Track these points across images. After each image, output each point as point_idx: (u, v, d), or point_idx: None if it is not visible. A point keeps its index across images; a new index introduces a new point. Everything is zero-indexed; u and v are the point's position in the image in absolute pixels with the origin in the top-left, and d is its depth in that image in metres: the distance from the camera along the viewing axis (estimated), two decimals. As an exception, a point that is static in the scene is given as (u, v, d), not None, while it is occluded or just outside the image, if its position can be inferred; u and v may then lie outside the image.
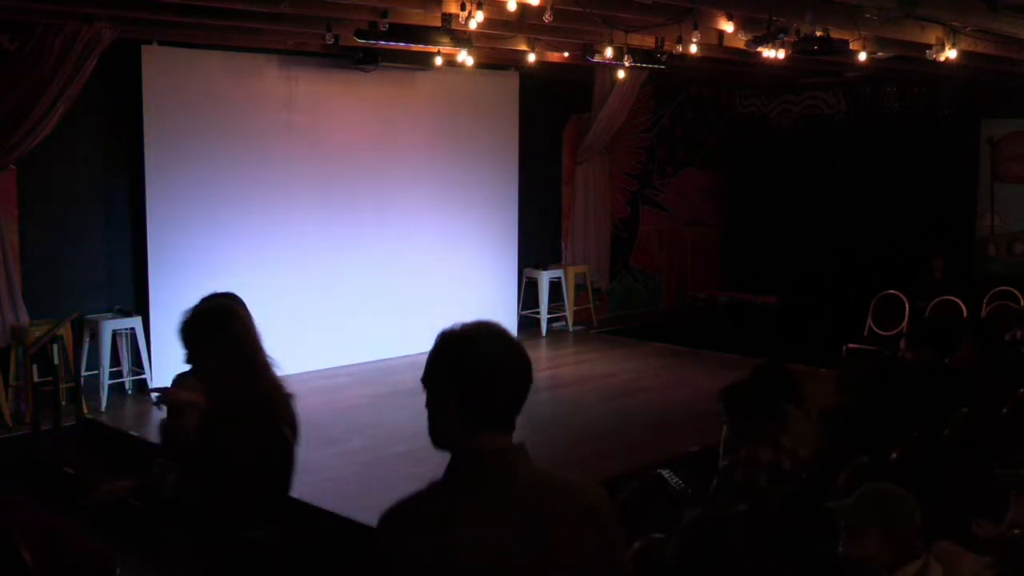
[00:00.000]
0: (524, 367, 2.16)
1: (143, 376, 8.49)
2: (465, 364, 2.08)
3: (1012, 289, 10.25)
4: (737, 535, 2.93)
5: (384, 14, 6.94)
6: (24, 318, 7.88)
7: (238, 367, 3.29)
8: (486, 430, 2.07)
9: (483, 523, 2.00)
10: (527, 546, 2.00)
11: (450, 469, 2.08)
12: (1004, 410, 5.44)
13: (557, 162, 12.00)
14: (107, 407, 8.16)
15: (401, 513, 2.05)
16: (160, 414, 4.16)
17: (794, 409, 4.90)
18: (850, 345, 10.12)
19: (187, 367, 3.96)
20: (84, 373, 8.22)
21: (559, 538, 2.04)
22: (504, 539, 1.99)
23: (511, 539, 2.00)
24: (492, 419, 2.09)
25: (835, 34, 7.04)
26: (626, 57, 8.09)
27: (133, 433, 7.50)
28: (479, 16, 6.36)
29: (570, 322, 11.80)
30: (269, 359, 3.41)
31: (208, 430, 3.35)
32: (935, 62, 7.66)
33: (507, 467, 2.08)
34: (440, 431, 2.11)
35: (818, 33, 6.89)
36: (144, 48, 8.36)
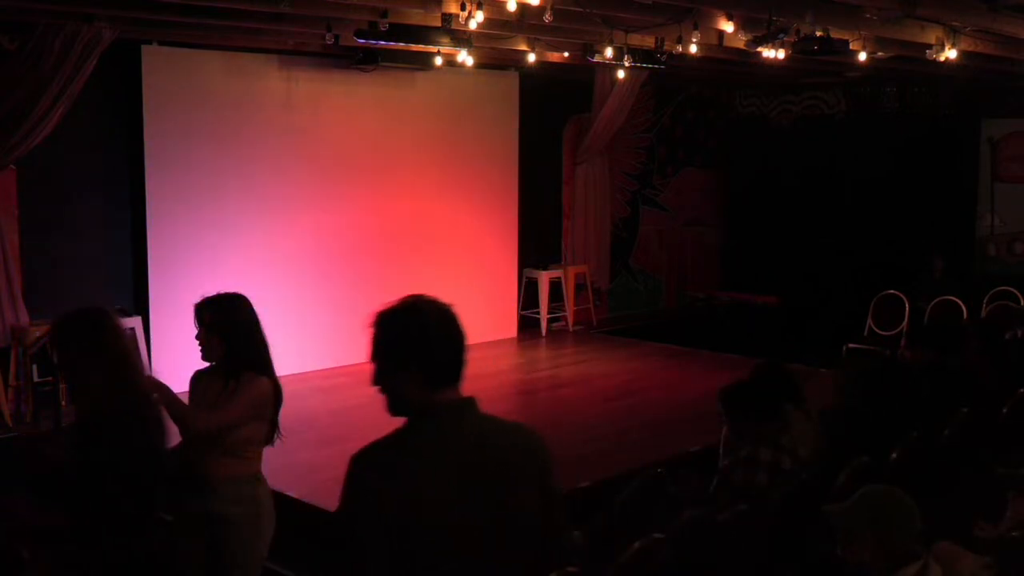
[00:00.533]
0: (461, 326, 2.45)
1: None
2: (421, 331, 2.36)
3: (1012, 289, 10.25)
4: (732, 535, 2.93)
5: (384, 14, 6.93)
6: (24, 318, 7.87)
7: (107, 374, 3.32)
8: (444, 387, 2.35)
9: (446, 464, 2.27)
10: (484, 480, 2.30)
11: (407, 426, 2.33)
12: (1004, 410, 5.44)
13: (557, 162, 12.00)
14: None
15: (372, 458, 2.28)
16: None
17: (794, 409, 4.90)
18: (850, 345, 10.12)
19: (204, 365, 4.00)
20: (84, 373, 8.22)
21: (509, 472, 2.37)
22: (466, 475, 2.28)
23: (472, 475, 2.29)
24: (448, 376, 2.37)
25: (835, 34, 7.03)
26: (626, 57, 8.09)
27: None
28: (479, 16, 6.36)
29: (570, 322, 11.80)
30: (139, 365, 3.49)
31: (77, 440, 3.39)
32: (935, 62, 7.66)
33: (464, 416, 2.37)
34: (402, 400, 2.35)
35: (818, 33, 6.89)
36: (144, 48, 8.36)
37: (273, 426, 4.02)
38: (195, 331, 3.93)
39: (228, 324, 3.88)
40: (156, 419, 3.45)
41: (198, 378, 4.07)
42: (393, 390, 2.37)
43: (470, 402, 2.40)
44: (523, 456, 2.44)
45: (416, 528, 2.21)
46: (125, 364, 3.39)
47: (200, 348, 3.93)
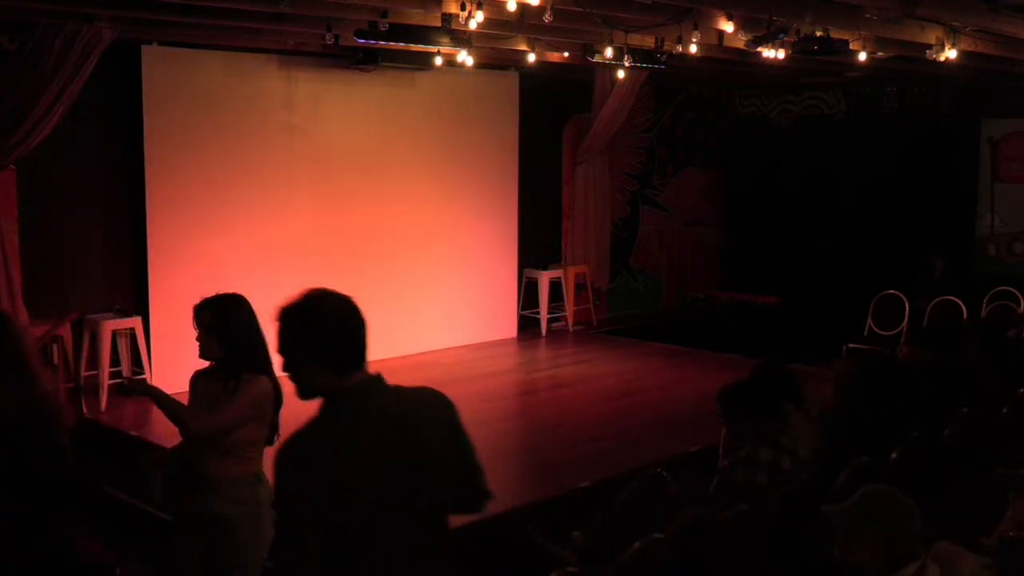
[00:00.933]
0: (361, 314, 2.63)
1: (143, 376, 8.48)
2: (324, 323, 2.55)
3: (1012, 289, 10.25)
4: (731, 535, 2.93)
5: (384, 14, 6.93)
6: (24, 318, 7.87)
7: (5, 379, 3.34)
8: (352, 370, 2.55)
9: (360, 444, 2.47)
10: (400, 450, 2.51)
11: (324, 410, 2.52)
12: (1004, 410, 5.44)
13: (557, 162, 12.00)
14: (107, 407, 8.16)
15: (292, 450, 2.48)
16: None
17: (794, 409, 4.90)
18: (850, 345, 10.12)
19: (204, 365, 4.00)
20: (84, 373, 8.22)
21: (422, 436, 2.58)
22: (381, 450, 2.48)
23: (387, 449, 2.49)
24: (355, 359, 2.56)
25: (835, 34, 7.04)
26: (626, 57, 8.08)
27: (133, 433, 7.50)
28: (479, 16, 6.36)
29: (570, 322, 11.80)
30: (40, 369, 3.52)
31: None
32: (935, 62, 7.66)
33: (371, 395, 2.56)
34: (313, 384, 2.54)
35: (818, 33, 6.89)
36: (144, 48, 8.36)
37: (273, 427, 4.02)
38: (195, 331, 3.93)
39: (228, 324, 3.89)
40: (55, 424, 3.47)
41: (198, 379, 4.07)
42: (302, 379, 2.55)
43: (377, 379, 2.58)
44: (432, 419, 2.65)
45: (342, 508, 2.39)
46: (24, 369, 3.40)
47: (199, 348, 3.93)
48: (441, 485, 2.62)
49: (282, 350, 2.58)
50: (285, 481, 2.45)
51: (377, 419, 2.53)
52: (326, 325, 2.55)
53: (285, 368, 2.58)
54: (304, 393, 2.56)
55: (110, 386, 8.26)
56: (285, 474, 2.45)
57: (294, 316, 2.58)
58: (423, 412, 2.65)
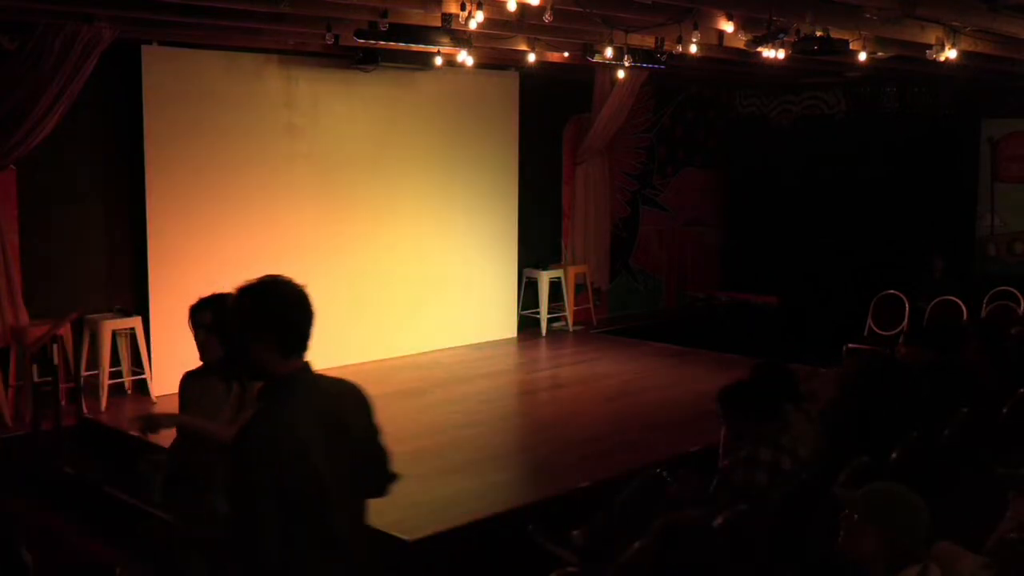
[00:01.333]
0: (311, 304, 2.81)
1: (143, 376, 8.49)
2: (279, 307, 2.73)
3: (1012, 289, 10.25)
4: (713, 540, 2.93)
5: (384, 14, 6.93)
6: (24, 318, 7.88)
7: None
8: (294, 355, 2.74)
9: (310, 424, 2.67)
10: (338, 430, 2.74)
11: (270, 391, 2.73)
12: (1004, 410, 5.43)
13: (557, 162, 12.00)
14: (107, 407, 8.16)
15: (256, 438, 2.63)
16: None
17: (794, 409, 4.90)
18: (850, 345, 10.12)
19: (196, 366, 3.99)
20: (84, 373, 8.23)
21: (350, 420, 2.83)
22: (325, 429, 2.70)
23: (329, 428, 2.71)
24: (299, 346, 2.76)
25: (835, 34, 7.04)
26: (626, 57, 8.08)
27: (133, 433, 7.50)
28: (479, 16, 6.36)
29: (570, 322, 11.80)
30: None
31: None
32: (935, 62, 7.66)
33: (309, 379, 2.78)
34: (258, 365, 2.73)
35: (818, 33, 6.89)
36: (144, 48, 8.36)
37: None
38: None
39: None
40: None
41: (191, 380, 4.05)
42: (249, 356, 2.73)
43: (310, 367, 2.81)
44: (357, 405, 2.91)
45: (300, 480, 2.60)
46: None
47: (199, 350, 3.92)
48: (368, 466, 2.88)
49: (234, 328, 2.77)
50: (253, 465, 2.59)
51: (320, 401, 2.76)
52: (279, 309, 2.73)
53: (232, 346, 2.81)
54: (250, 372, 2.78)
55: (110, 386, 8.26)
56: (250, 459, 2.61)
57: (250, 297, 2.74)
58: (349, 398, 2.90)
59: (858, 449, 4.47)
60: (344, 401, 2.87)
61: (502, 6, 6.15)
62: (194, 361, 4.03)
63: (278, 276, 2.79)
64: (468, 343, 10.70)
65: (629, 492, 4.79)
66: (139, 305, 8.59)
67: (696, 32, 7.26)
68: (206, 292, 4.00)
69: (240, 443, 2.65)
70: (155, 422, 4.16)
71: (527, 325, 11.56)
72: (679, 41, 7.54)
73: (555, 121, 11.89)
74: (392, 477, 3.00)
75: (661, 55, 8.41)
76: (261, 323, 2.71)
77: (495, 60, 9.94)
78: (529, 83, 11.05)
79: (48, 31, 7.34)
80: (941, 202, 11.95)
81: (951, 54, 7.46)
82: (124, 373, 8.50)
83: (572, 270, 11.83)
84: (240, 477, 2.62)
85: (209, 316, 3.89)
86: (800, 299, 12.35)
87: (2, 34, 7.51)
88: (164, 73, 8.55)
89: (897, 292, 10.55)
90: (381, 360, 9.75)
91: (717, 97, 13.88)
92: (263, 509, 2.55)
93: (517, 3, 6.03)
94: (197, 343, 3.91)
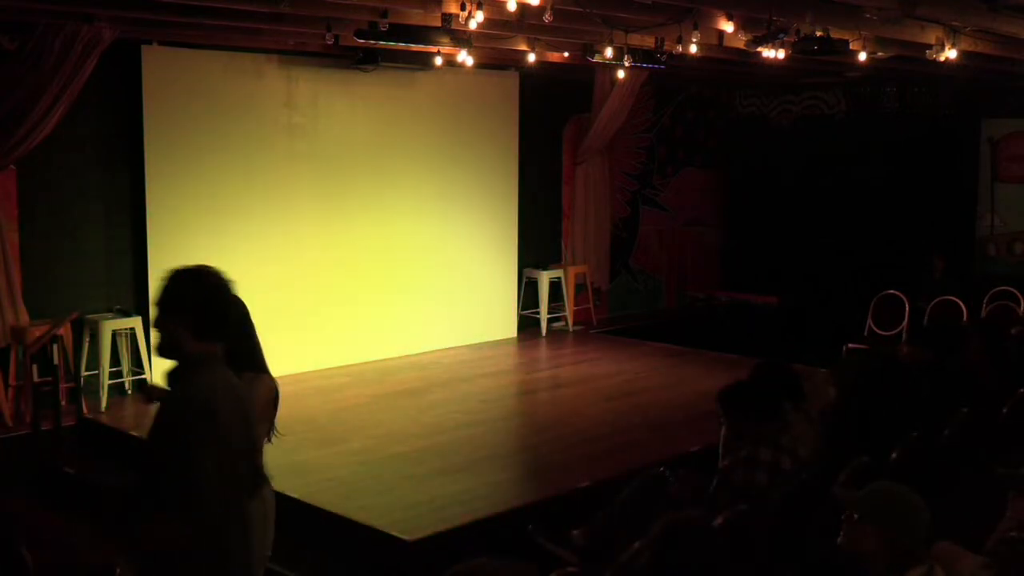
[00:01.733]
0: (231, 292, 3.06)
1: (143, 376, 8.49)
2: (199, 291, 2.98)
3: (1012, 289, 10.25)
4: (715, 540, 2.93)
5: (384, 14, 6.93)
6: (24, 318, 7.88)
7: None
8: (207, 339, 2.95)
9: (230, 400, 2.94)
10: (238, 408, 3.00)
11: (186, 366, 2.95)
12: (1004, 410, 5.43)
13: (557, 162, 12.00)
14: (107, 407, 8.16)
15: (199, 412, 2.87)
16: None
17: (793, 409, 4.90)
18: (850, 345, 10.12)
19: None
20: (84, 373, 8.23)
21: (248, 410, 3.08)
22: (238, 407, 2.99)
23: (239, 407, 3.00)
24: (213, 332, 2.97)
25: (835, 34, 7.04)
26: (626, 57, 8.08)
27: (133, 433, 7.50)
28: (479, 16, 6.36)
29: (570, 322, 11.80)
30: None
31: None
32: (935, 62, 7.66)
33: (220, 363, 2.99)
34: (175, 344, 2.94)
35: (818, 33, 6.89)
36: (144, 48, 8.36)
37: (271, 424, 4.01)
38: None
39: None
40: None
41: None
42: (169, 335, 2.95)
43: (220, 353, 3.00)
44: (252, 406, 3.22)
45: (229, 451, 2.88)
46: None
47: None
48: (254, 455, 3.19)
49: (160, 304, 2.97)
50: (186, 416, 2.86)
51: (230, 382, 3.02)
52: (199, 295, 2.97)
53: (155, 323, 2.97)
54: (164, 350, 2.96)
55: (110, 386, 8.26)
56: (184, 411, 2.88)
57: (180, 279, 3.01)
58: (243, 389, 3.16)
59: (858, 449, 4.47)
60: (245, 395, 3.14)
61: (502, 6, 6.15)
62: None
63: (207, 266, 3.06)
64: (468, 343, 10.70)
65: (629, 492, 4.79)
66: (139, 305, 8.59)
67: (696, 32, 7.26)
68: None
69: (173, 407, 2.91)
70: (158, 391, 4.21)
71: (527, 325, 11.55)
72: (679, 41, 7.54)
73: (555, 121, 11.89)
74: (265, 479, 3.36)
75: (661, 55, 8.41)
76: (180, 304, 2.94)
77: (495, 60, 9.94)
78: (529, 83, 11.05)
79: (48, 31, 7.34)
80: (941, 202, 11.95)
81: (951, 54, 7.46)
82: (124, 373, 8.50)
83: (572, 270, 11.83)
84: (178, 437, 2.83)
85: None
86: (800, 299, 12.35)
87: (2, 34, 7.51)
88: (164, 73, 8.55)
89: (897, 292, 10.55)
90: (381, 360, 9.76)
91: (717, 97, 13.88)
92: (206, 465, 2.80)
93: (517, 3, 6.03)
94: None
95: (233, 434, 2.92)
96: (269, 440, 4.01)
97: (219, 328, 2.98)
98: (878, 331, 10.47)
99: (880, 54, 8.22)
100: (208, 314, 2.95)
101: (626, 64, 8.28)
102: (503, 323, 11.27)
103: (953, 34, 7.40)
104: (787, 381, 5.05)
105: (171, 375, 2.98)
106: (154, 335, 3.02)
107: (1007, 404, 5.45)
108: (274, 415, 4.00)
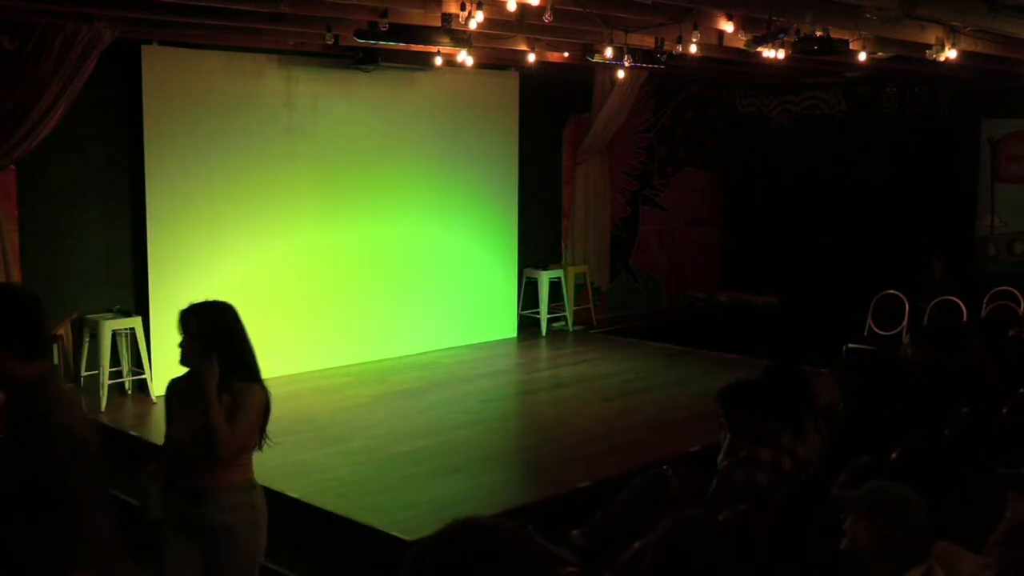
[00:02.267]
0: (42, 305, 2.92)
1: (143, 376, 8.49)
2: (19, 311, 2.77)
3: (1012, 289, 10.25)
4: (718, 540, 2.93)
5: (384, 14, 6.93)
6: (24, 318, 7.86)
7: None
8: (38, 359, 2.78)
9: (80, 417, 2.90)
10: (90, 426, 2.95)
11: (35, 390, 2.77)
12: (1004, 410, 5.43)
13: (557, 162, 12.00)
14: (107, 407, 8.16)
15: (63, 431, 2.77)
16: None
17: (808, 414, 4.91)
18: (850, 345, 10.12)
19: (183, 371, 3.98)
20: (84, 373, 8.23)
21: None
22: (87, 420, 2.98)
23: (89, 427, 2.94)
24: (41, 349, 2.83)
25: (835, 34, 7.03)
26: (626, 57, 8.08)
27: (133, 433, 7.50)
28: (479, 16, 6.36)
29: (570, 322, 11.80)
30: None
31: None
32: (935, 62, 7.65)
33: (54, 380, 2.91)
34: (5, 373, 2.75)
35: (818, 33, 6.89)
36: (144, 48, 8.36)
37: (263, 432, 3.99)
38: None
39: (214, 332, 3.86)
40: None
41: (178, 386, 4.05)
42: None
43: (53, 369, 2.97)
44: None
45: (102, 477, 2.86)
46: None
47: (182, 354, 3.92)
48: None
49: None
50: (64, 440, 2.75)
51: (73, 398, 3.03)
52: (20, 315, 2.77)
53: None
54: None
55: (110, 386, 8.26)
56: (60, 435, 2.76)
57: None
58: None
59: (858, 449, 4.47)
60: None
61: (502, 6, 6.15)
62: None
63: (9, 283, 2.97)
64: (468, 343, 10.70)
65: (629, 492, 4.79)
66: (139, 305, 8.59)
67: (696, 32, 7.26)
68: (206, 291, 3.99)
69: (48, 431, 2.73)
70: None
71: (527, 325, 11.55)
72: (679, 41, 7.54)
73: (555, 121, 11.89)
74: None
75: (661, 55, 8.41)
76: (5, 330, 2.73)
77: (495, 60, 9.94)
78: (529, 83, 11.05)
79: (48, 31, 7.34)
80: (941, 202, 11.95)
81: (951, 54, 7.46)
82: (124, 373, 8.50)
83: (572, 270, 11.83)
84: (61, 461, 2.70)
85: (195, 323, 3.88)
86: (800, 299, 12.35)
87: (2, 34, 7.52)
88: (164, 73, 8.55)
89: (897, 292, 10.55)
90: (381, 360, 9.76)
91: (717, 97, 13.88)
92: (90, 485, 2.75)
93: (517, 3, 6.03)
94: (181, 348, 3.92)
95: (96, 454, 2.82)
96: (260, 448, 3.99)
97: (47, 344, 2.89)
98: (878, 331, 10.47)
99: (880, 54, 8.21)
100: (34, 332, 2.76)
101: (626, 64, 8.27)
102: (503, 323, 11.27)
103: (953, 34, 7.40)
104: (798, 384, 5.05)
105: (9, 410, 2.79)
106: None
107: (1007, 404, 5.45)
108: (265, 424, 3.97)
